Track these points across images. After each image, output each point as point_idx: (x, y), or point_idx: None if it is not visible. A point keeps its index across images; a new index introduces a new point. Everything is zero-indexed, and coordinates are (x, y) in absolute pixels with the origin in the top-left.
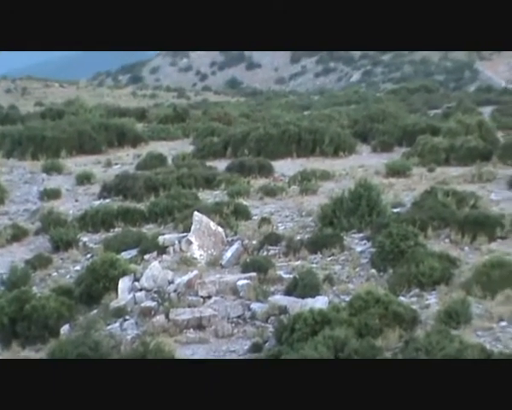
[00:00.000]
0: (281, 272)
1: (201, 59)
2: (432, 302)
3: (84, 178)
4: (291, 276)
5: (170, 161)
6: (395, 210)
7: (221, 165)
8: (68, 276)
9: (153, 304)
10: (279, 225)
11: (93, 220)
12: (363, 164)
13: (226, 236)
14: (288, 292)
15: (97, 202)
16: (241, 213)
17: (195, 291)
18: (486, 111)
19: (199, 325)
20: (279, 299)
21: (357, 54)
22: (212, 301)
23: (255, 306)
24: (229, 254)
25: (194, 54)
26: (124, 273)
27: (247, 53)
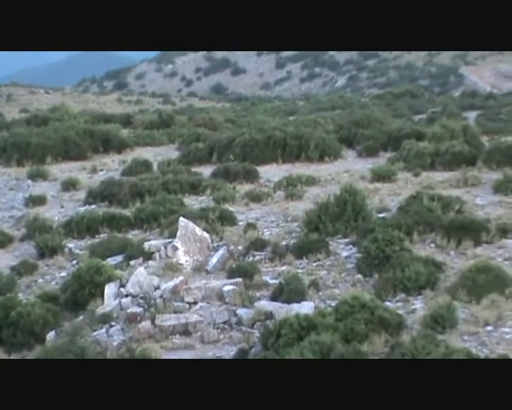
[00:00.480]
0: (266, 278)
1: (186, 65)
2: (418, 307)
3: (70, 185)
4: (277, 281)
5: (155, 166)
6: (380, 215)
7: (206, 170)
8: (54, 282)
9: (139, 310)
10: (265, 230)
11: (78, 227)
12: (348, 169)
13: (212, 241)
14: (274, 298)
15: (83, 209)
16: (227, 219)
17: (181, 297)
18: (471, 116)
19: (185, 331)
20: (265, 304)
21: (342, 59)
22: (197, 306)
23: (241, 311)
24: (214, 259)
25: (179, 60)
26: (109, 279)
27: (232, 58)
